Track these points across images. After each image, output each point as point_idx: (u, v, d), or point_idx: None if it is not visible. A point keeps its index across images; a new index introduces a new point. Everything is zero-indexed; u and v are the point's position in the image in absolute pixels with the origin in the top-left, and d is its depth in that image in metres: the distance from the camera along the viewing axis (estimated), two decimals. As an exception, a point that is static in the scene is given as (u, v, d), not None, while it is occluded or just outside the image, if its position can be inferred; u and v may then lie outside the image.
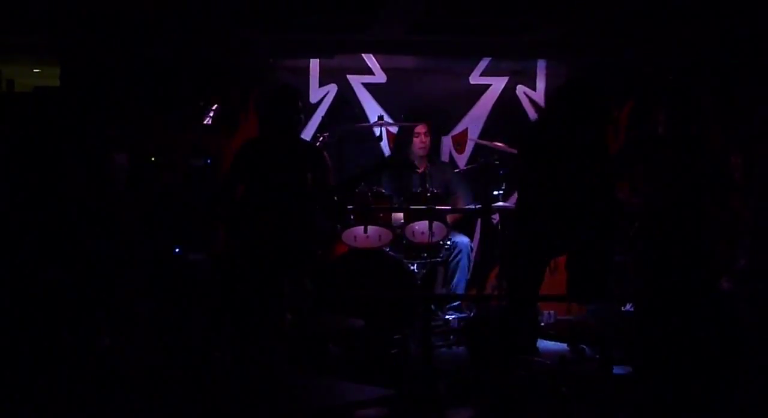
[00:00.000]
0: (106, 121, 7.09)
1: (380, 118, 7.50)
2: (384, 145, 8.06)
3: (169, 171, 6.93)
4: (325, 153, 6.01)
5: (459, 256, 7.30)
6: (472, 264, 7.44)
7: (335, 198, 5.99)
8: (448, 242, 7.10)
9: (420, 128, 7.60)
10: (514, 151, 6.47)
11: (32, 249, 5.68)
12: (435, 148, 8.00)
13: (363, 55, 8.20)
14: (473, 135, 8.24)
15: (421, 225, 6.85)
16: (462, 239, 7.37)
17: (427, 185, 7.03)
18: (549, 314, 7.36)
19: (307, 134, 7.83)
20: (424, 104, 8.11)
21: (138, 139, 7.59)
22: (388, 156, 8.05)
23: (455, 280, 7.32)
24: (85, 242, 5.91)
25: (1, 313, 5.53)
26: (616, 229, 5.43)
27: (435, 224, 6.81)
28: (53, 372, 4.83)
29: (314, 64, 8.19)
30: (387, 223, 6.91)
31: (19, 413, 3.84)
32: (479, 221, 8.05)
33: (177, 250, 6.51)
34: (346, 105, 8.16)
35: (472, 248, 7.49)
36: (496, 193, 7.22)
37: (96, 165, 6.02)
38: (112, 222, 6.24)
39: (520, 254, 5.40)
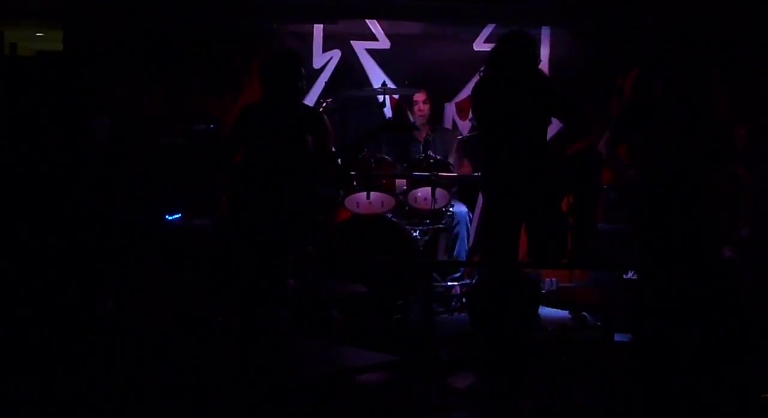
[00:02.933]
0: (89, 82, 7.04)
1: (383, 84, 7.46)
2: (387, 111, 8.03)
3: (169, 135, 6.89)
4: (326, 117, 5.99)
5: (458, 227, 7.30)
6: (471, 234, 7.44)
7: (336, 162, 5.97)
8: (450, 208, 7.10)
9: (418, 96, 7.58)
10: None
11: (23, 216, 5.66)
12: (438, 114, 7.97)
13: (367, 20, 8.15)
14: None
15: (424, 191, 6.85)
16: (460, 209, 7.34)
17: (429, 152, 7.02)
18: (551, 281, 7.38)
19: (311, 100, 7.79)
20: (427, 71, 8.07)
21: (127, 102, 7.56)
22: (389, 119, 7.98)
23: (455, 250, 7.33)
24: (69, 204, 5.87)
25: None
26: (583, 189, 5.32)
27: (438, 190, 6.80)
28: (56, 335, 4.85)
29: (318, 29, 8.15)
30: (390, 189, 6.91)
31: (22, 375, 3.87)
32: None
33: (174, 215, 6.49)
34: (349, 71, 8.13)
35: (470, 218, 7.48)
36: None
37: (71, 126, 5.94)
38: (95, 184, 6.20)
39: (489, 222, 5.26)
